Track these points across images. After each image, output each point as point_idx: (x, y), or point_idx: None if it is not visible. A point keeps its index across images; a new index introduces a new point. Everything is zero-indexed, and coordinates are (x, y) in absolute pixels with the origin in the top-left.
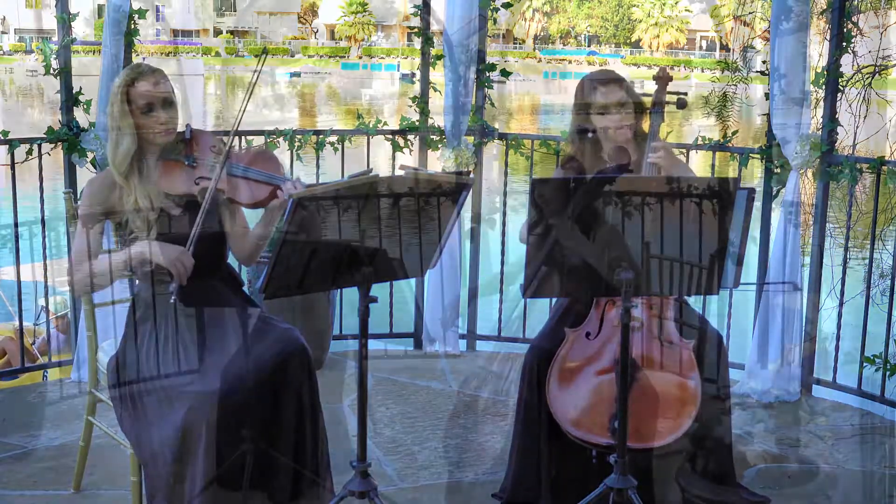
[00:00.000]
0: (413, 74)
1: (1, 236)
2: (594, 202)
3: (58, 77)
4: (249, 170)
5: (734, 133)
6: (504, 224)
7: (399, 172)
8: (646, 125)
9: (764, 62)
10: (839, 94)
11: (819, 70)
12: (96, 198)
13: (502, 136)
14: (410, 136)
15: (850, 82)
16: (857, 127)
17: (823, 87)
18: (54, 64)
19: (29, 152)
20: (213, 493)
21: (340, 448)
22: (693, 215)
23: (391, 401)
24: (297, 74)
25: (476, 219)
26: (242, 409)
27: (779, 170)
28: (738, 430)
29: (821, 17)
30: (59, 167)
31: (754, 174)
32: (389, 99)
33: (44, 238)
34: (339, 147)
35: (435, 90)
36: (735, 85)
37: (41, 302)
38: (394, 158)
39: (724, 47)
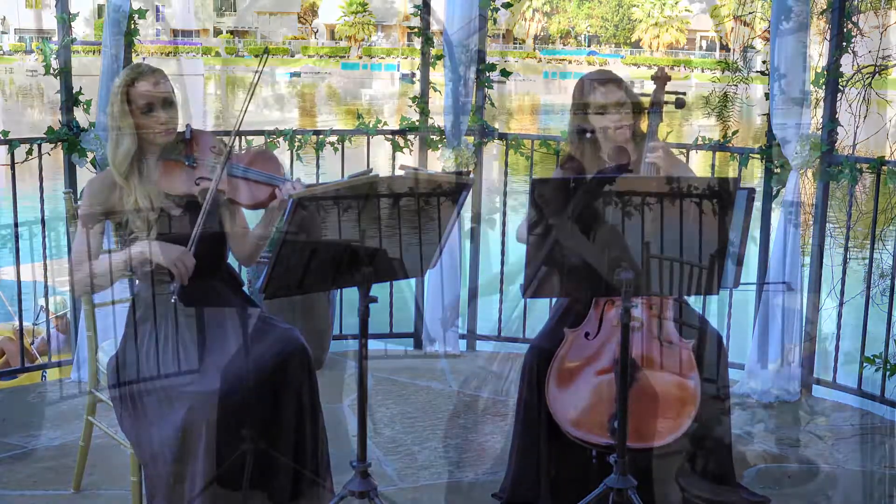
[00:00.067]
0: (413, 74)
1: (1, 236)
2: (594, 202)
3: (58, 77)
4: (249, 170)
5: (734, 133)
6: (504, 224)
7: (399, 172)
8: (644, 125)
9: (764, 62)
10: (839, 94)
11: (819, 70)
12: (96, 198)
13: (502, 136)
14: (410, 136)
15: (850, 82)
16: (857, 127)
17: (823, 87)
18: (54, 64)
19: (29, 152)
20: (213, 493)
21: (340, 448)
22: (693, 215)
23: (391, 401)
24: (297, 74)
25: (476, 219)
26: (242, 409)
27: (779, 170)
28: (738, 430)
29: (821, 17)
30: (59, 167)
31: (754, 174)
32: (389, 99)
33: (44, 238)
34: (339, 147)
35: (435, 90)
36: (735, 85)
37: (41, 302)
38: (394, 158)
39: (724, 47)
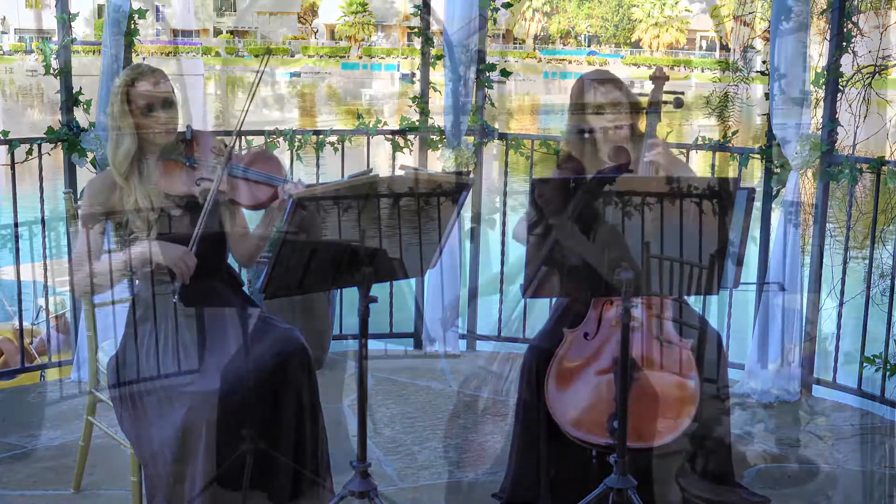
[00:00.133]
0: (413, 74)
1: (1, 236)
2: (594, 202)
3: (58, 77)
4: (249, 170)
5: (734, 133)
6: (504, 224)
7: (399, 172)
8: (643, 125)
9: (764, 62)
10: (839, 94)
11: (819, 70)
12: (97, 198)
13: (502, 136)
14: (410, 136)
15: (850, 82)
16: (857, 127)
17: (823, 87)
18: (54, 64)
19: (29, 152)
20: (213, 493)
21: (340, 448)
22: (693, 215)
23: (391, 401)
24: (297, 74)
25: (476, 219)
26: (242, 409)
27: (779, 170)
28: (738, 430)
29: (821, 17)
30: (59, 167)
31: (754, 174)
32: (389, 99)
33: (44, 238)
34: (339, 147)
35: (435, 90)
36: (736, 85)
37: (40, 302)
38: (394, 158)
39: (724, 47)
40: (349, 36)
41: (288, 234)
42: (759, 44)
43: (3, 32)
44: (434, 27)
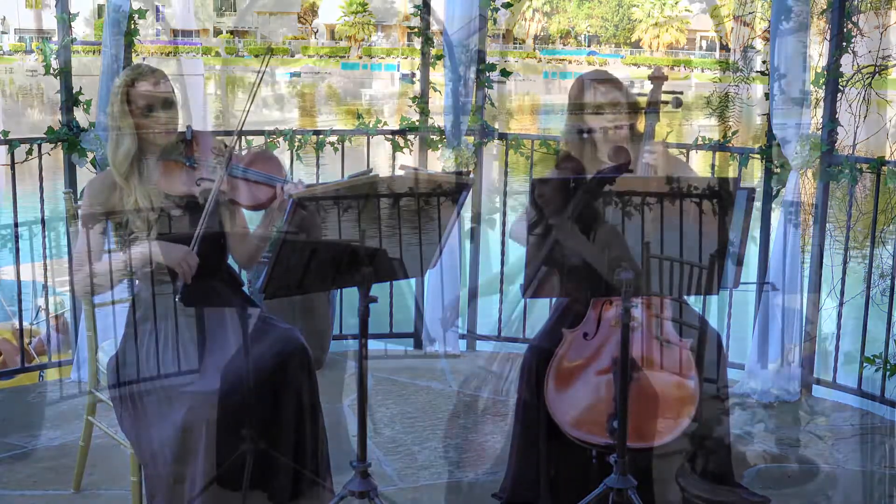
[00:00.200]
0: (413, 74)
1: (1, 236)
2: (594, 202)
3: (58, 77)
4: (249, 171)
5: (734, 133)
6: (504, 224)
7: (399, 172)
8: (642, 125)
9: (764, 62)
10: (839, 94)
11: (819, 70)
12: (97, 198)
13: (502, 136)
14: (410, 136)
15: (850, 82)
16: (857, 127)
17: (823, 87)
18: (54, 64)
19: (29, 152)
20: (213, 493)
21: (340, 448)
22: (693, 215)
23: (391, 401)
24: (297, 74)
25: (476, 219)
26: (242, 409)
27: (779, 170)
28: (738, 430)
29: (821, 17)
30: (59, 167)
31: (754, 174)
32: (389, 99)
33: (44, 238)
34: (339, 147)
35: (435, 90)
36: (736, 85)
37: (39, 302)
38: (394, 158)
39: (724, 47)
40: (349, 36)
41: (288, 234)
42: (759, 44)
43: (3, 32)
44: (434, 27)
